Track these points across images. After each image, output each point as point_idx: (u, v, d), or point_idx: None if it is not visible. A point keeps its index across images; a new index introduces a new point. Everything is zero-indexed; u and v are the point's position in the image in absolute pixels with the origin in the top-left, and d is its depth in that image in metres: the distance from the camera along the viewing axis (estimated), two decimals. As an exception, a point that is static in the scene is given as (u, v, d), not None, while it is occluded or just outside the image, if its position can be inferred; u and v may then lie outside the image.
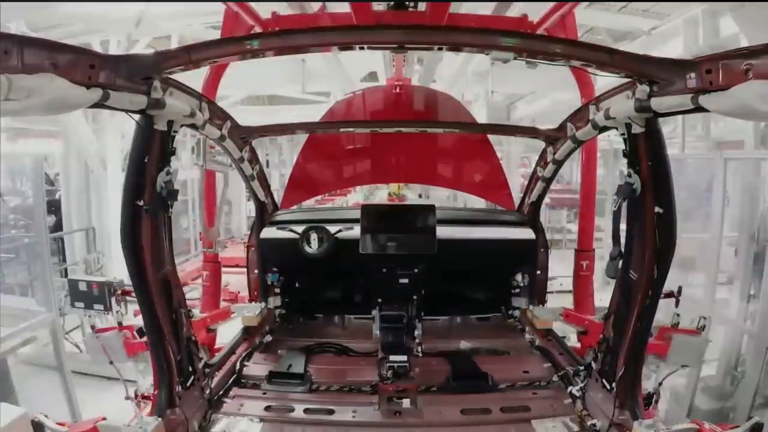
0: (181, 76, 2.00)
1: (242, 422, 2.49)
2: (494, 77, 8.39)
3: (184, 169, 9.62)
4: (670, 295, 2.37)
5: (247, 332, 3.49)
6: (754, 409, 4.11)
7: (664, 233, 2.08)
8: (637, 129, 2.02)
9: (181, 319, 2.41)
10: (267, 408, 2.62)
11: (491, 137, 4.42)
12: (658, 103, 1.77)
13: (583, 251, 3.83)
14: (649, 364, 2.52)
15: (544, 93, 9.85)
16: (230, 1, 3.41)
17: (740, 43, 4.68)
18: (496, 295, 3.99)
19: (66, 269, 7.93)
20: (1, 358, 4.68)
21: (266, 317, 3.82)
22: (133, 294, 2.26)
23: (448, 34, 1.96)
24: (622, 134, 2.16)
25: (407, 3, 3.20)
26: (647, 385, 2.45)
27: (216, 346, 3.45)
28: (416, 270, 3.59)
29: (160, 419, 2.16)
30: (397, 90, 4.56)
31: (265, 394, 2.78)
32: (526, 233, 3.79)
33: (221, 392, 2.73)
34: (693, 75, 1.59)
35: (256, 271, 3.88)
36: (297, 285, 4.00)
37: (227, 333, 3.53)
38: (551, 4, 3.54)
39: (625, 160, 2.19)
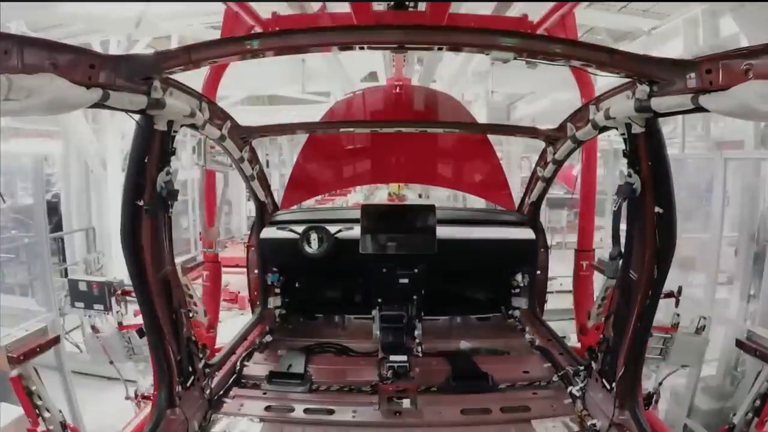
0: (181, 76, 2.00)
1: (242, 422, 2.49)
2: (494, 77, 8.40)
3: (185, 169, 9.61)
4: (670, 295, 2.37)
5: (248, 332, 3.49)
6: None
7: (664, 233, 2.08)
8: (637, 129, 2.02)
9: (181, 319, 2.41)
10: (267, 408, 2.62)
11: (491, 137, 4.42)
12: (658, 103, 1.77)
13: (583, 251, 3.83)
14: (649, 364, 2.52)
15: (544, 93, 9.86)
16: (230, 1, 3.41)
17: (740, 43, 4.67)
18: (496, 295, 3.99)
19: (66, 269, 7.93)
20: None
21: (266, 317, 3.82)
22: (133, 294, 2.26)
23: (448, 34, 1.96)
24: (622, 134, 2.16)
25: (407, 3, 3.20)
26: (647, 385, 2.45)
27: (216, 346, 3.45)
28: (416, 270, 3.59)
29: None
30: (397, 90, 4.56)
31: (265, 394, 2.78)
32: (526, 233, 3.80)
33: (221, 392, 2.73)
34: (693, 75, 1.59)
35: (256, 271, 3.88)
36: (297, 285, 4.00)
37: (227, 333, 3.53)
38: (551, 4, 3.54)
39: (624, 160, 2.19)
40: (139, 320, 2.41)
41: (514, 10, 5.04)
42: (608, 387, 2.41)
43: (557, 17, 3.52)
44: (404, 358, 2.96)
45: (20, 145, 8.02)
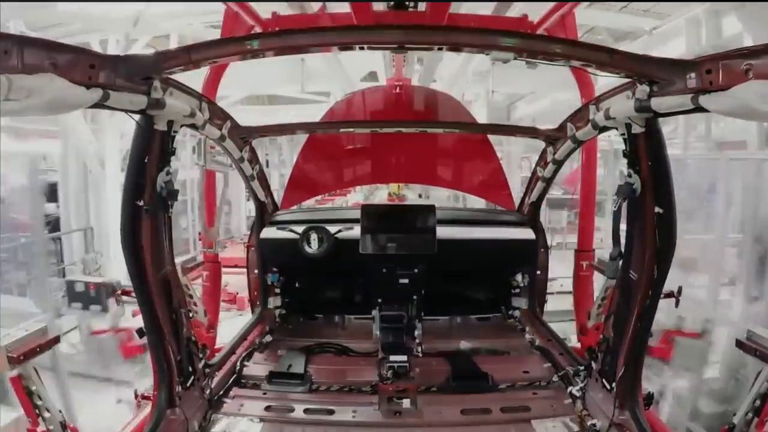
0: (181, 76, 1.99)
1: (242, 422, 2.49)
2: (495, 77, 8.39)
3: (184, 168, 9.59)
4: (670, 295, 2.37)
5: (248, 332, 3.49)
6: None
7: (664, 233, 2.08)
8: (637, 129, 2.02)
9: (181, 319, 2.41)
10: (267, 408, 2.62)
11: (491, 137, 4.42)
12: (658, 103, 1.77)
13: (583, 251, 3.83)
14: (651, 367, 2.52)
15: (544, 93, 9.85)
16: (230, 1, 3.40)
17: (744, 42, 4.65)
18: (496, 295, 3.99)
19: (63, 269, 7.91)
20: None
21: (266, 317, 3.82)
22: (133, 294, 2.25)
23: (448, 34, 1.96)
24: (622, 134, 2.16)
25: (407, 3, 3.20)
26: (647, 385, 2.45)
27: (216, 346, 3.45)
28: (416, 270, 3.59)
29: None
30: (397, 90, 4.56)
31: (265, 394, 2.78)
32: (526, 233, 3.80)
33: (221, 392, 2.73)
34: (693, 75, 1.59)
35: (256, 271, 3.88)
36: (297, 285, 4.00)
37: (225, 334, 3.53)
38: (551, 4, 3.54)
39: (624, 160, 2.19)
40: (137, 321, 2.40)
41: (514, 10, 5.04)
42: (608, 387, 2.41)
43: (557, 17, 3.52)
44: (404, 358, 2.96)
45: (18, 145, 8.01)
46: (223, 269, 4.01)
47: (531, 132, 3.49)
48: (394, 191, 12.24)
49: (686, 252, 4.57)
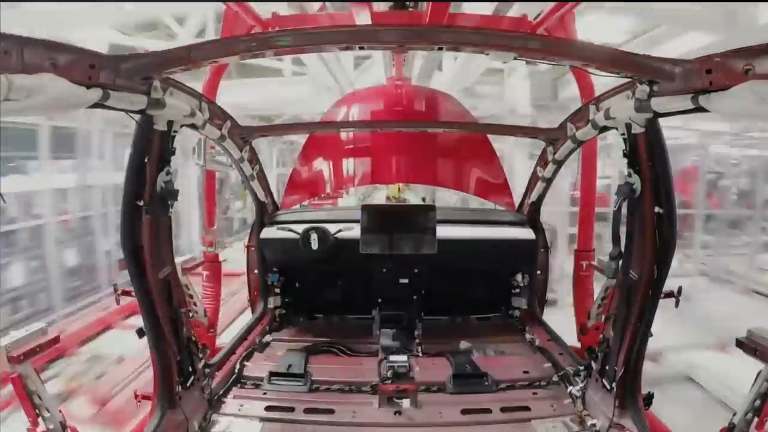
0: (181, 76, 1.99)
1: (242, 422, 2.50)
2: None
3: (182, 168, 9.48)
4: (670, 295, 2.37)
5: (247, 332, 3.49)
6: None
7: (664, 233, 2.08)
8: (637, 129, 2.02)
9: (181, 319, 2.41)
10: (267, 408, 2.63)
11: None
12: (658, 103, 1.77)
13: (583, 251, 3.83)
14: None
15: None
16: (230, 1, 3.41)
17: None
18: (497, 295, 3.99)
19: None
20: None
21: (266, 317, 3.82)
22: (134, 294, 2.26)
23: (447, 34, 1.96)
24: (622, 134, 2.16)
25: (407, 3, 3.21)
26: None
27: (216, 346, 3.45)
28: (416, 270, 3.59)
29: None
30: (397, 90, 4.56)
31: (265, 394, 2.78)
32: (527, 233, 3.80)
33: (221, 392, 2.73)
34: (693, 75, 1.59)
35: (256, 271, 3.88)
36: (297, 285, 4.00)
37: (227, 333, 3.53)
38: (551, 4, 3.54)
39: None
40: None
41: (514, 10, 5.03)
42: (608, 387, 2.41)
43: (557, 17, 3.52)
44: (404, 358, 2.96)
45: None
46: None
47: (531, 132, 3.49)
48: (393, 194, 10.83)
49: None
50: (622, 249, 2.25)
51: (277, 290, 3.94)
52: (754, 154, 12.73)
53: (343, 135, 4.30)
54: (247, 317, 3.93)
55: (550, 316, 3.88)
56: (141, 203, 2.07)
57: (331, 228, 3.68)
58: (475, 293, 4.05)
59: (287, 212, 4.14)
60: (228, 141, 2.85)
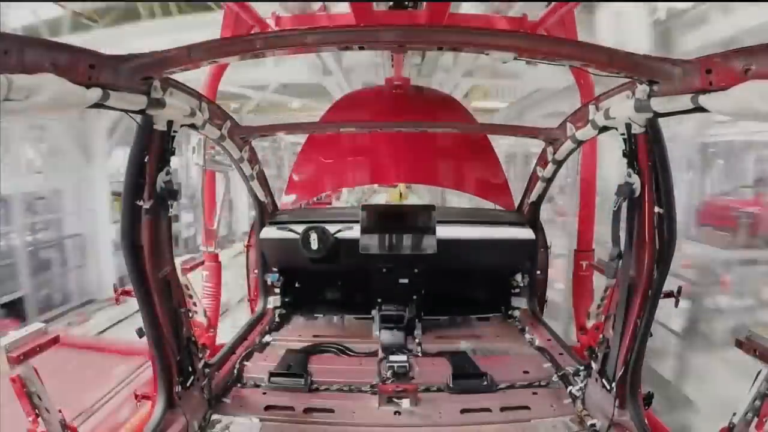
0: (181, 76, 1.99)
1: (242, 422, 2.49)
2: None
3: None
4: (670, 295, 2.37)
5: (247, 332, 3.49)
6: None
7: (664, 233, 2.08)
8: (637, 129, 2.02)
9: (181, 319, 2.41)
10: (267, 408, 2.62)
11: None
12: (658, 103, 1.78)
13: (583, 251, 3.83)
14: None
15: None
16: (230, 1, 3.41)
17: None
18: (496, 295, 3.99)
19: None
20: None
21: (266, 317, 3.82)
22: (134, 294, 2.26)
23: (447, 34, 1.96)
24: (622, 134, 2.16)
25: (407, 3, 3.21)
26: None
27: (216, 346, 3.45)
28: (416, 270, 3.59)
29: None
30: (396, 90, 4.56)
31: (265, 394, 2.78)
32: (526, 233, 3.80)
33: (221, 392, 2.73)
34: (693, 75, 1.59)
35: (256, 271, 3.88)
36: (297, 285, 4.00)
37: (227, 333, 3.53)
38: (551, 4, 3.54)
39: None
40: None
41: (514, 10, 5.04)
42: (608, 387, 2.41)
43: (557, 17, 3.52)
44: (404, 358, 2.96)
45: None
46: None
47: (531, 132, 3.49)
48: (395, 199, 10.19)
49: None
50: (622, 249, 2.25)
51: (277, 290, 3.94)
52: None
53: (343, 135, 4.31)
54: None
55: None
56: (141, 203, 2.07)
57: (331, 228, 3.68)
58: (475, 293, 4.05)
59: (287, 212, 4.15)
60: (228, 141, 2.85)
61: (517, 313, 3.92)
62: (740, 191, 9.78)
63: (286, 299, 3.99)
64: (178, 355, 2.37)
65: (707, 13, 5.70)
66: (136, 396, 2.67)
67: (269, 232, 3.81)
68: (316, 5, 4.63)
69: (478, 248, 3.77)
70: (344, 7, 3.58)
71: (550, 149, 3.17)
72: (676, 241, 2.10)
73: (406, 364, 2.91)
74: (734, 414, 1.99)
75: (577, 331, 3.56)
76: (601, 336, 2.59)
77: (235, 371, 2.95)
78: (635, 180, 2.11)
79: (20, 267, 8.10)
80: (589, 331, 3.23)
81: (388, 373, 2.86)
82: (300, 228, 3.69)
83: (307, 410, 2.62)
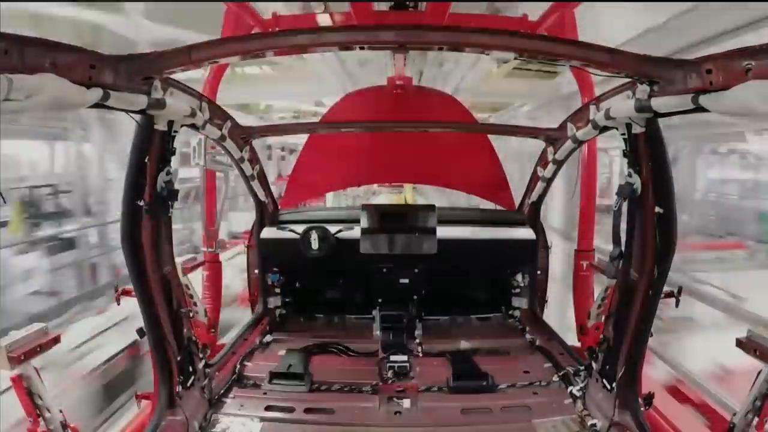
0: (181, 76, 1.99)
1: (242, 422, 2.49)
2: None
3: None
4: (670, 295, 2.37)
5: (248, 332, 3.49)
6: None
7: (664, 233, 2.08)
8: (637, 129, 2.02)
9: (181, 319, 2.41)
10: (267, 408, 2.63)
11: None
12: (658, 103, 1.77)
13: (583, 251, 3.83)
14: None
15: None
16: (230, 1, 3.41)
17: None
18: (497, 295, 3.99)
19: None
20: None
21: (266, 317, 3.82)
22: (134, 294, 2.26)
23: (447, 34, 1.96)
24: (623, 134, 2.16)
25: (407, 3, 3.21)
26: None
27: (216, 346, 3.45)
28: (416, 270, 3.59)
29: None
30: (398, 90, 4.56)
31: (265, 394, 2.78)
32: (527, 233, 3.80)
33: (221, 392, 2.73)
34: (693, 75, 1.59)
35: (256, 271, 3.88)
36: (297, 285, 4.00)
37: (227, 333, 3.53)
38: (551, 4, 3.54)
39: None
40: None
41: (514, 10, 5.04)
42: (608, 387, 2.41)
43: (557, 17, 3.52)
44: (404, 358, 2.96)
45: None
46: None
47: (531, 132, 3.49)
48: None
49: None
50: (623, 249, 2.25)
51: (278, 290, 3.94)
52: None
53: (344, 135, 4.30)
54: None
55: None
56: (141, 203, 2.07)
57: (332, 228, 3.68)
58: (475, 293, 4.05)
59: (287, 212, 4.15)
60: (228, 141, 2.85)
61: (517, 313, 3.92)
62: None
63: (287, 299, 3.99)
64: (179, 355, 2.37)
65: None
66: (137, 396, 2.67)
67: (269, 232, 3.81)
68: (317, 5, 4.63)
69: (478, 248, 3.77)
70: (345, 7, 3.58)
71: (550, 149, 3.17)
72: (676, 241, 2.09)
73: (407, 364, 2.91)
74: (734, 414, 1.99)
75: (578, 331, 3.56)
76: (601, 336, 2.59)
77: (236, 371, 2.95)
78: (635, 180, 2.11)
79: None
80: (590, 331, 3.23)
81: (389, 373, 2.86)
82: (300, 228, 3.69)
83: (308, 410, 2.62)
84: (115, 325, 6.04)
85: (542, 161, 3.37)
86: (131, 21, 5.43)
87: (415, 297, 3.58)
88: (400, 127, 3.67)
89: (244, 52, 1.89)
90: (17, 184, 9.16)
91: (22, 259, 8.12)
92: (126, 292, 2.71)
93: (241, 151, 3.14)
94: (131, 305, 2.35)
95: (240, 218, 10.63)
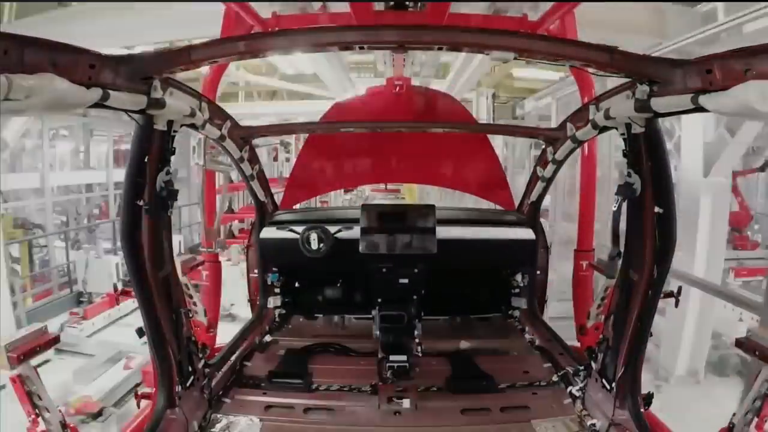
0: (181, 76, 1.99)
1: (242, 422, 2.49)
2: None
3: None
4: (670, 295, 2.37)
5: (247, 332, 3.49)
6: None
7: (664, 233, 2.08)
8: (637, 129, 2.02)
9: (181, 319, 2.41)
10: (267, 408, 2.63)
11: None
12: (658, 103, 1.77)
13: (583, 251, 3.83)
14: None
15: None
16: (230, 1, 3.41)
17: None
18: (496, 295, 3.99)
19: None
20: None
21: (266, 317, 3.82)
22: (134, 294, 2.26)
23: (447, 34, 1.96)
24: (622, 134, 2.16)
25: (407, 3, 3.21)
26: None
27: (216, 346, 3.45)
28: (416, 270, 3.59)
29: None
30: (397, 90, 4.56)
31: (265, 394, 2.78)
32: (526, 233, 3.80)
33: (221, 392, 2.73)
34: (693, 75, 1.59)
35: (256, 271, 3.88)
36: (297, 285, 4.00)
37: (227, 333, 3.53)
38: (551, 4, 3.55)
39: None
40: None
41: (514, 10, 5.04)
42: (608, 387, 2.41)
43: (557, 17, 3.52)
44: (404, 358, 2.96)
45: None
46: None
47: (531, 132, 3.50)
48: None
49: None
50: (622, 249, 2.25)
51: (277, 290, 3.94)
52: None
53: (344, 135, 4.30)
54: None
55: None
56: (141, 203, 2.07)
57: (331, 228, 3.68)
58: (474, 293, 4.05)
59: (287, 212, 4.15)
60: (228, 141, 2.85)
61: (517, 313, 3.92)
62: None
63: (286, 299, 3.99)
64: (178, 355, 2.37)
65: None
66: (137, 396, 2.67)
67: (269, 232, 3.81)
68: (317, 5, 4.63)
69: (478, 248, 3.77)
70: (344, 7, 3.58)
71: (550, 149, 3.17)
72: (676, 241, 2.10)
73: (406, 364, 2.90)
74: (734, 414, 1.99)
75: (577, 331, 3.56)
76: (601, 336, 2.59)
77: (236, 371, 2.95)
78: (635, 180, 2.11)
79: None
80: (589, 331, 3.23)
81: (388, 373, 2.85)
82: (300, 228, 3.69)
83: (307, 410, 2.62)
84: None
85: (542, 161, 3.37)
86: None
87: (414, 297, 3.58)
88: (399, 127, 3.67)
89: (243, 52, 1.89)
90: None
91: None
92: (126, 292, 2.70)
93: (241, 151, 3.14)
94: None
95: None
